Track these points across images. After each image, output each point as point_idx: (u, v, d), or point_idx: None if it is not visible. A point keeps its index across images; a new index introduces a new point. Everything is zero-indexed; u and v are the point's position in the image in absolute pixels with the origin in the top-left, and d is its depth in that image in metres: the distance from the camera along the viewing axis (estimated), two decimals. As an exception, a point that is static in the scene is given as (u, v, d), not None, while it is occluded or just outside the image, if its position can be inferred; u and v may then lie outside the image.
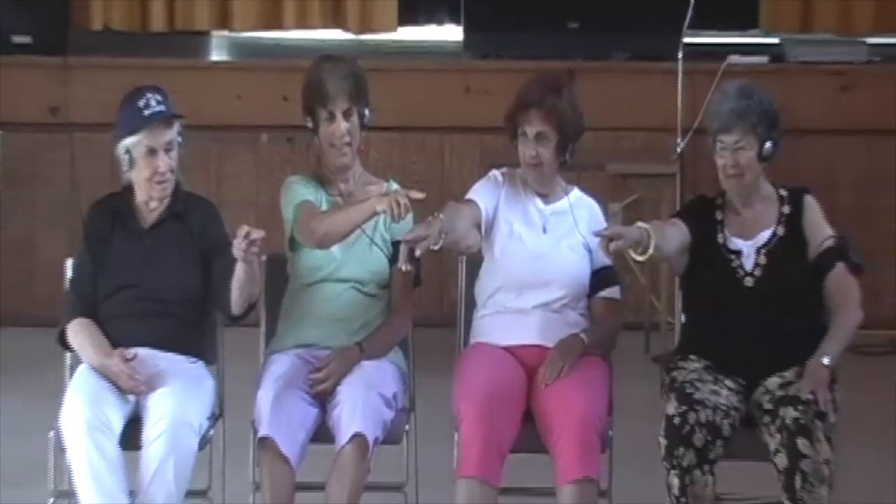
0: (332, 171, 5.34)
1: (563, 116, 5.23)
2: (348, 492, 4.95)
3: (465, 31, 9.18)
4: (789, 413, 4.90)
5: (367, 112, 5.32)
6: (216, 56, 9.64)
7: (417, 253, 4.85)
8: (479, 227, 5.22)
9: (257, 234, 4.91)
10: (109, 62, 8.88)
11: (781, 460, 4.88)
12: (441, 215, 4.96)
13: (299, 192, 5.28)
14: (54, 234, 8.77)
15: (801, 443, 4.86)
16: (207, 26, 9.48)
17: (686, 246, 5.16)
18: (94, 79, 8.73)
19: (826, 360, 4.99)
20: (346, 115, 5.28)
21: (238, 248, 4.94)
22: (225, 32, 9.62)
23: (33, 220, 8.97)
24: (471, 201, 5.25)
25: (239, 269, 5.03)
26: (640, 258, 4.97)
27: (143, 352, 5.12)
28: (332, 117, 5.27)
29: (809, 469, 4.84)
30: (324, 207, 5.28)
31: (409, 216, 5.02)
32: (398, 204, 4.94)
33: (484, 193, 5.28)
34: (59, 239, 8.58)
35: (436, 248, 4.88)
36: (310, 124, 5.33)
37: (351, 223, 5.11)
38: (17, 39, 9.01)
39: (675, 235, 5.13)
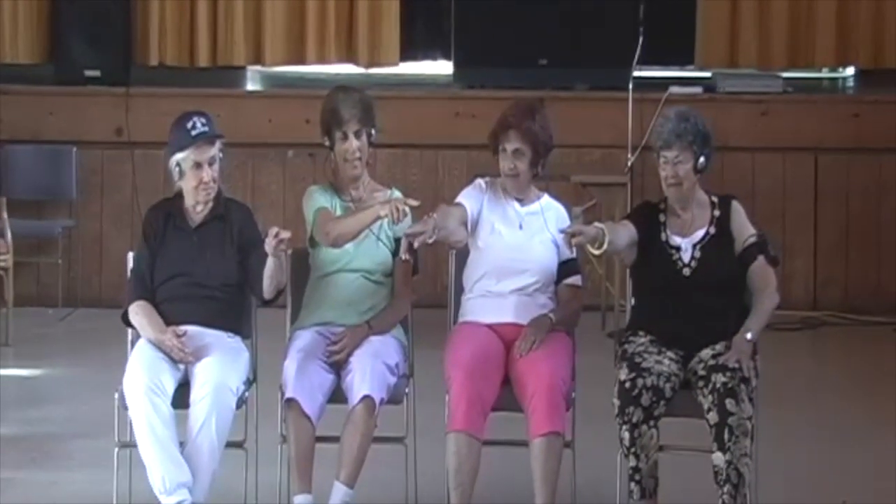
0: (346, 181, 5.31)
1: (536, 136, 5.20)
2: (359, 443, 4.94)
3: (455, 66, 9.18)
4: (719, 378, 4.89)
5: (374, 132, 5.29)
6: (251, 86, 9.61)
7: (415, 245, 4.85)
8: (465, 225, 5.20)
9: (285, 234, 4.91)
10: (164, 92, 8.84)
11: (713, 417, 4.87)
12: (435, 215, 4.94)
13: (317, 200, 5.26)
14: (119, 232, 8.74)
15: (729, 402, 4.85)
16: (244, 62, 9.47)
17: (634, 242, 5.14)
18: (151, 105, 8.70)
19: (749, 336, 4.98)
20: (357, 135, 5.25)
21: (269, 245, 4.93)
22: (258, 67, 9.60)
23: (102, 220, 8.94)
24: (459, 204, 5.23)
25: (269, 262, 5.01)
26: (596, 252, 4.96)
27: (191, 329, 5.10)
28: (345, 137, 5.25)
29: (735, 424, 4.84)
30: (338, 212, 5.25)
31: (408, 217, 5.01)
32: (398, 210, 4.93)
33: (470, 197, 5.26)
34: (123, 236, 8.56)
35: (430, 241, 4.87)
36: (327, 143, 5.31)
37: (359, 226, 5.09)
38: (89, 73, 9.00)
39: (625, 234, 5.11)
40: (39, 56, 9.29)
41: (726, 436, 4.83)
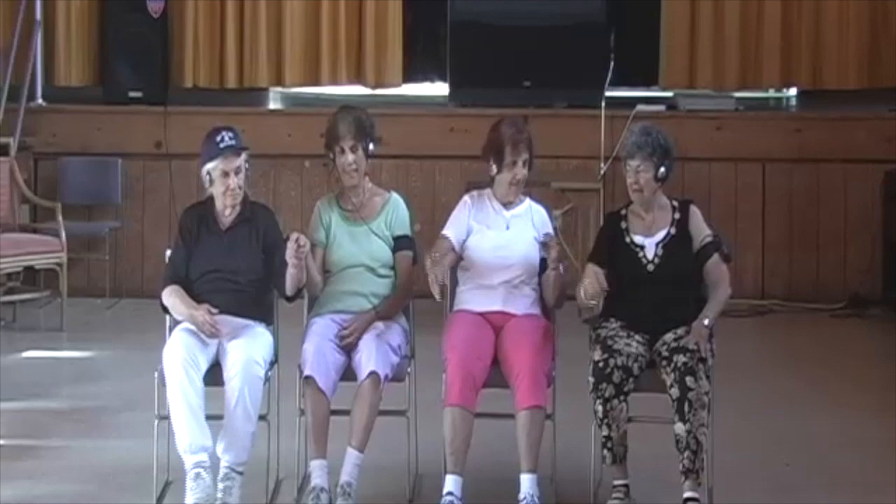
0: (347, 189, 5.31)
1: (532, 145, 5.21)
2: (366, 415, 4.94)
3: (450, 87, 9.17)
4: (680, 358, 4.89)
5: (371, 146, 5.27)
6: (272, 105, 9.61)
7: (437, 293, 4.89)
8: (454, 250, 5.20)
9: (304, 241, 4.92)
10: (197, 110, 8.83)
11: (674, 392, 4.87)
12: (437, 270, 4.92)
13: (315, 224, 5.26)
14: (158, 232, 8.72)
15: (688, 380, 4.85)
16: (266, 84, 9.46)
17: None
18: (186, 122, 8.68)
19: (706, 322, 4.97)
20: (353, 150, 5.23)
21: (290, 252, 4.93)
22: (279, 88, 9.60)
23: (144, 221, 8.93)
24: (446, 238, 5.20)
25: (290, 267, 5.00)
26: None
27: (222, 317, 5.07)
28: (342, 151, 5.24)
29: (694, 398, 4.84)
30: (335, 222, 5.25)
31: (407, 219, 5.01)
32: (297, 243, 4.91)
33: (455, 225, 5.23)
34: (162, 235, 8.54)
35: (446, 282, 4.97)
36: (332, 156, 5.31)
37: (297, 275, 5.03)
38: (132, 94, 9.02)
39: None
40: (89, 79, 9.32)
41: (686, 408, 4.83)
